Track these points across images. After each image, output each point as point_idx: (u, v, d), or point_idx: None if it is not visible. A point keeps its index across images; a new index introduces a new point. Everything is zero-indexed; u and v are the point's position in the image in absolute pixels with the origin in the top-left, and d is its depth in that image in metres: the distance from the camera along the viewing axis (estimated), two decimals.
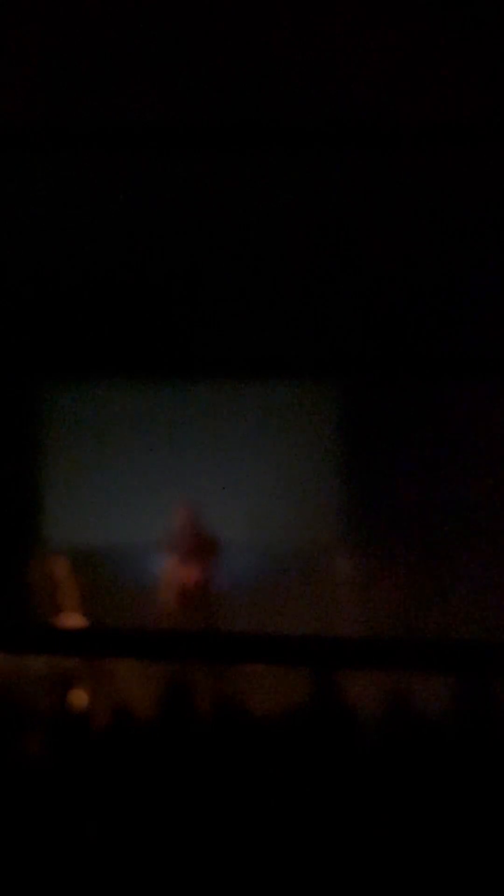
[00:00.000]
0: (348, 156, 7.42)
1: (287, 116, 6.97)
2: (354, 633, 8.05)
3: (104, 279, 8.10)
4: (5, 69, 6.54)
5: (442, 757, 4.23)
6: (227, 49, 6.89)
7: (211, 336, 8.11)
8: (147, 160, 7.43)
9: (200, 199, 7.64)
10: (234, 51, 6.90)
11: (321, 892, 3.86)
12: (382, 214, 7.69)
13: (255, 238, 7.89)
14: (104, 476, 9.20)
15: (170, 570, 8.23)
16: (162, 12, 6.65)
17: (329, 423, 9.21)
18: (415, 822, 4.00)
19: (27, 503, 9.09)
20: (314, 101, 6.97)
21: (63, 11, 6.39)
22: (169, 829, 4.05)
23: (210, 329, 8.07)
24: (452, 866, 3.75)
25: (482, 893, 3.80)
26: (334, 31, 6.86)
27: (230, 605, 8.25)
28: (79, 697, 5.90)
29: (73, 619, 7.26)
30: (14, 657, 6.62)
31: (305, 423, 9.21)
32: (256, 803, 4.15)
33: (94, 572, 8.19)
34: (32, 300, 8.06)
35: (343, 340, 8.30)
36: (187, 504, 8.25)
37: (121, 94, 6.82)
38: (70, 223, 7.73)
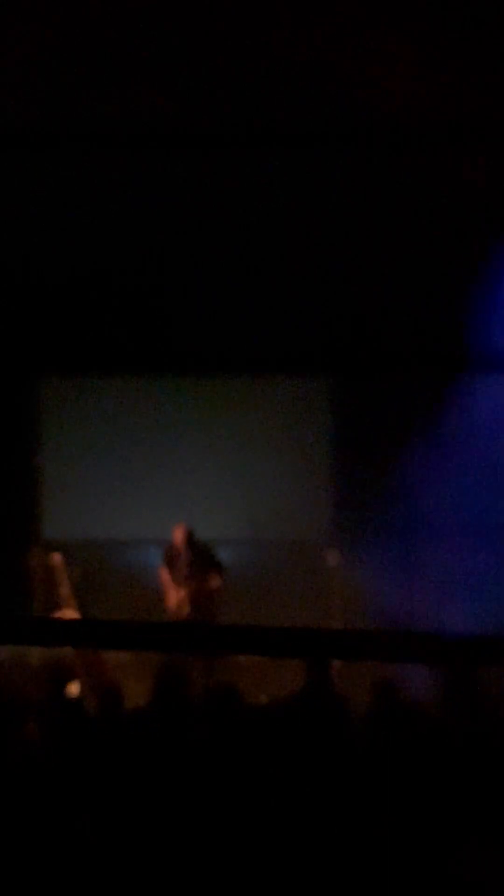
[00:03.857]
0: (347, 156, 7.44)
1: (286, 117, 7.00)
2: (346, 625, 8.08)
3: (102, 277, 8.13)
4: (5, 69, 6.56)
5: (429, 743, 4.27)
6: (227, 49, 6.90)
7: (207, 333, 8.14)
8: (146, 160, 7.47)
9: (197, 198, 7.67)
10: (234, 51, 6.91)
11: (316, 879, 3.88)
12: (380, 213, 7.71)
13: (251, 237, 7.92)
14: (100, 471, 9.24)
15: (166, 588, 8.26)
16: (162, 13, 6.67)
17: (323, 420, 9.25)
18: (404, 810, 4.03)
19: (24, 498, 9.13)
20: (313, 101, 6.98)
21: (63, 11, 6.41)
22: (164, 817, 4.08)
23: (206, 327, 8.10)
24: (438, 848, 3.78)
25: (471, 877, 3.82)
26: (334, 32, 6.86)
27: (224, 598, 8.28)
28: (74, 687, 5.95)
29: (67, 612, 7.30)
30: (10, 648, 6.67)
31: (299, 419, 9.25)
32: (251, 791, 4.18)
33: (89, 566, 8.24)
34: (32, 297, 8.09)
35: (336, 339, 8.33)
36: (182, 523, 8.23)
37: (121, 94, 6.84)
38: (69, 222, 7.76)
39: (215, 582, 8.18)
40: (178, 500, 8.52)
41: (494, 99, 6.91)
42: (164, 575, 8.27)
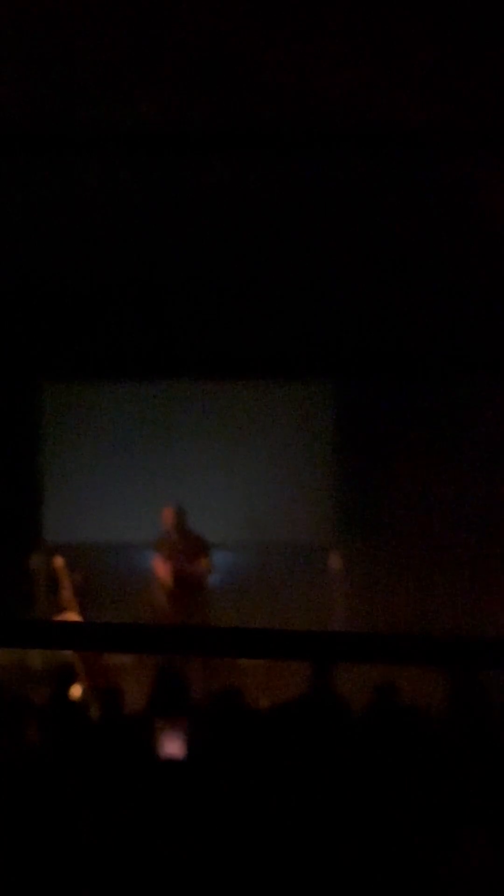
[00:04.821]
0: (348, 157, 7.43)
1: (284, 118, 6.99)
2: (347, 628, 8.09)
3: (101, 280, 8.14)
4: (5, 69, 6.55)
5: (431, 746, 4.27)
6: (228, 49, 6.90)
7: (206, 336, 8.14)
8: (145, 161, 7.46)
9: (198, 200, 7.67)
10: (235, 51, 6.90)
11: (318, 881, 3.88)
12: (380, 215, 7.71)
13: (251, 240, 7.91)
14: (102, 475, 9.26)
15: (155, 569, 8.30)
16: (162, 12, 6.65)
17: (323, 422, 9.25)
18: (406, 812, 4.03)
19: (26, 502, 9.14)
20: (313, 102, 6.97)
21: (63, 11, 6.40)
22: (165, 819, 4.08)
23: (205, 329, 8.10)
24: (440, 849, 3.78)
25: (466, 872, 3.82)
26: (334, 32, 6.84)
27: (224, 600, 8.30)
28: (76, 690, 5.96)
29: (69, 615, 7.29)
30: (12, 651, 6.67)
31: (300, 422, 9.25)
32: (252, 793, 4.18)
33: (91, 569, 8.23)
34: (32, 301, 8.09)
35: (337, 340, 8.33)
36: (172, 505, 8.29)
37: (121, 94, 6.84)
38: (70, 225, 7.76)
39: (205, 563, 8.24)
40: (180, 503, 8.51)
41: (495, 99, 6.89)
42: (157, 563, 8.33)
